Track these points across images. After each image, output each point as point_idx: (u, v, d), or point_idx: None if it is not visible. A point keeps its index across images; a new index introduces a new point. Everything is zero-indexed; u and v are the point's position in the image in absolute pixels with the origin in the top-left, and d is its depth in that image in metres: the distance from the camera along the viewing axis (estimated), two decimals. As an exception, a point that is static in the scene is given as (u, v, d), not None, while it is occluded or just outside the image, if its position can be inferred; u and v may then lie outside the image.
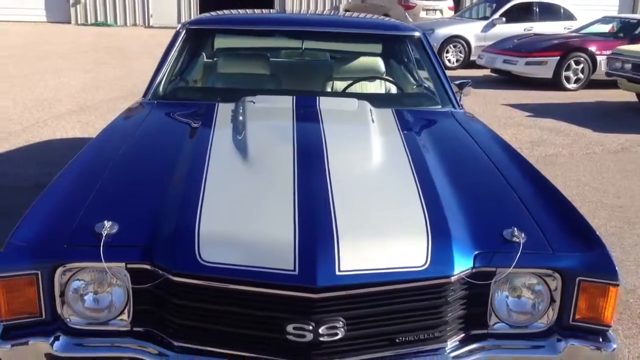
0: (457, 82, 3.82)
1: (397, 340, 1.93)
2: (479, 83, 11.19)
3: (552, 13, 13.86)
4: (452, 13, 16.87)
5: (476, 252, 1.98)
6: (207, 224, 1.96)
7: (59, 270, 1.91)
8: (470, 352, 1.99)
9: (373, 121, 2.83)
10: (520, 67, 10.80)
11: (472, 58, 12.77)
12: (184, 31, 3.60)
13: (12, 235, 1.95)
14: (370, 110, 2.97)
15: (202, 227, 1.94)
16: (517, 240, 1.98)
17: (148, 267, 1.89)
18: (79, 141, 5.56)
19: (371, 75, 3.81)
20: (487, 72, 12.00)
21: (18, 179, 4.94)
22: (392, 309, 1.90)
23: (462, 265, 1.93)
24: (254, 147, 2.47)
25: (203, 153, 2.45)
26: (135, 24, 20.59)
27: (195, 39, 3.81)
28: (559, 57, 10.56)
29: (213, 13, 3.93)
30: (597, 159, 6.45)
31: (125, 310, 1.96)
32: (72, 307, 1.94)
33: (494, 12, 13.70)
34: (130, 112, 3.23)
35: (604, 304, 2.01)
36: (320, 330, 1.82)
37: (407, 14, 17.14)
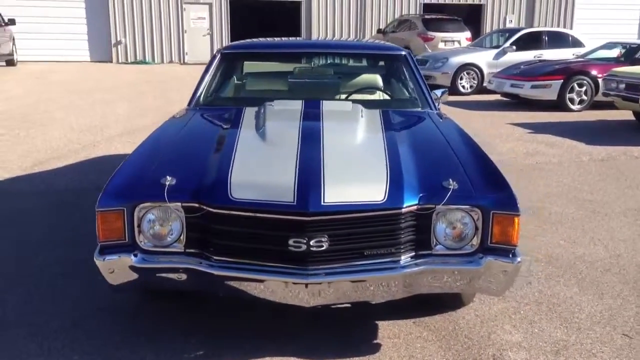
0: (436, 91, 4.70)
1: (365, 254, 2.82)
2: (490, 106, 12.07)
3: (561, 41, 14.75)
4: (469, 44, 17.79)
5: (421, 194, 2.86)
6: (236, 174, 2.90)
7: (137, 208, 2.85)
8: (417, 265, 2.86)
9: (362, 117, 3.76)
10: (526, 90, 11.64)
11: (484, 84, 13.63)
12: (219, 55, 4.65)
13: (107, 186, 2.92)
14: (362, 110, 3.91)
15: (232, 176, 2.88)
16: (450, 186, 2.85)
17: (196, 205, 2.82)
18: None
19: (368, 87, 4.77)
20: (498, 97, 12.85)
21: (82, 183, 5.98)
22: (361, 231, 2.79)
23: (410, 201, 2.82)
24: (271, 131, 3.44)
25: (234, 135, 3.44)
26: (171, 61, 22.04)
27: (227, 60, 4.83)
28: (562, 81, 11.38)
29: (242, 41, 4.97)
30: (583, 165, 7.24)
31: (182, 237, 2.88)
32: (145, 234, 2.88)
33: (505, 41, 14.63)
34: (179, 114, 4.26)
35: (511, 230, 2.87)
36: (311, 243, 2.72)
37: (426, 46, 18.16)
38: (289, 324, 3.29)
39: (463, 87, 13.95)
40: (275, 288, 2.78)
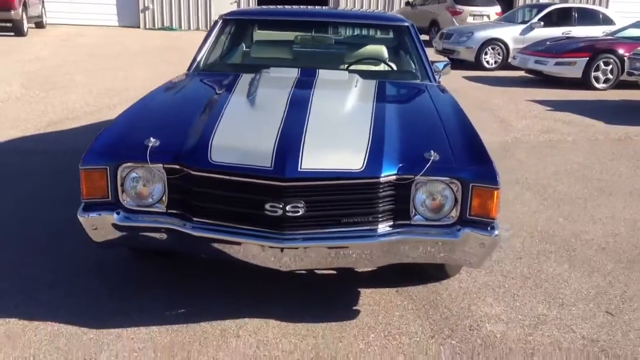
0: (438, 64, 4.65)
1: (342, 221, 2.84)
2: (512, 82, 11.88)
3: (591, 18, 14.38)
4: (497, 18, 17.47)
5: (400, 165, 2.86)
6: (218, 138, 2.93)
7: (120, 168, 2.90)
8: (394, 234, 2.87)
9: (356, 86, 3.75)
10: (550, 67, 11.42)
11: (509, 60, 13.41)
12: (221, 21, 4.65)
13: (91, 144, 2.97)
14: (357, 80, 3.89)
15: (214, 140, 2.91)
16: (430, 158, 2.85)
17: (177, 166, 2.86)
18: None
19: (369, 58, 4.74)
20: (523, 73, 12.64)
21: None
22: (338, 198, 2.81)
23: (388, 171, 2.82)
24: (261, 97, 3.46)
25: (224, 99, 3.48)
26: (198, 29, 22.04)
27: (228, 26, 4.84)
28: (587, 58, 11.13)
29: (246, 8, 4.96)
30: (597, 145, 7.13)
31: (164, 198, 2.93)
32: (128, 194, 2.94)
33: (534, 16, 14.32)
34: (178, 78, 4.30)
35: (490, 204, 2.86)
36: (287, 208, 2.75)
37: (454, 20, 17.89)
38: (272, 287, 3.35)
39: (487, 62, 13.74)
40: (253, 251, 2.82)
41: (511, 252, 3.99)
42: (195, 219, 2.88)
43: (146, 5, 21.55)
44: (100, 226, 2.94)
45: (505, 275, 3.67)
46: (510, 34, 13.88)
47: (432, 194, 2.89)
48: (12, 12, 15.56)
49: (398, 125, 3.22)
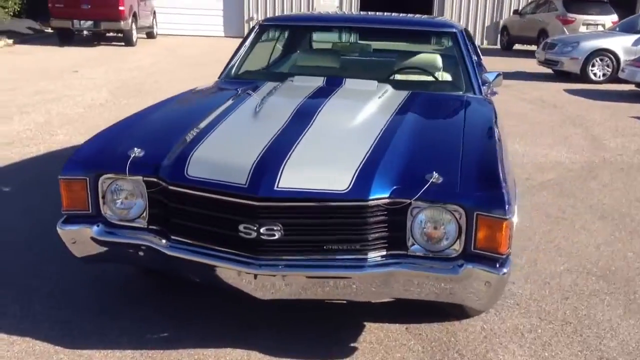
0: (489, 75, 4.18)
1: (324, 248, 2.52)
2: (618, 97, 10.91)
3: None
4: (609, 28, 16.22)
5: (395, 187, 2.50)
6: (201, 151, 2.70)
7: (101, 179, 2.75)
8: (385, 265, 2.52)
9: (380, 97, 3.42)
10: (662, 81, 10.36)
11: (619, 74, 12.33)
12: (257, 27, 4.44)
13: (73, 154, 2.84)
14: (386, 90, 3.56)
15: (196, 153, 2.69)
16: (431, 180, 2.47)
17: (155, 179, 2.67)
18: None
19: (412, 67, 4.35)
20: (633, 87, 11.57)
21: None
22: (321, 222, 2.50)
23: (379, 194, 2.47)
24: (267, 107, 3.23)
25: (231, 109, 3.27)
26: None
27: (265, 33, 4.60)
28: None
29: (285, 14, 4.75)
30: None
31: (144, 214, 2.75)
32: (109, 207, 2.78)
33: (651, 25, 13.12)
34: (202, 86, 4.15)
35: (499, 236, 2.44)
36: (262, 231, 2.47)
37: (564, 29, 16.81)
38: (263, 313, 3.06)
39: (595, 74, 12.70)
40: (229, 276, 2.57)
41: (558, 290, 3.48)
42: (173, 237, 2.68)
43: (251, 15, 21.99)
44: (79, 240, 2.80)
45: (543, 317, 3.18)
46: (621, 44, 12.76)
47: (433, 221, 2.52)
48: (122, 22, 16.34)
49: (409, 143, 2.86)
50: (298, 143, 2.72)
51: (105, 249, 2.80)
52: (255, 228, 2.48)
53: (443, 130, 3.23)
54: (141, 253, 2.74)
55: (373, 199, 2.46)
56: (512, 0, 21.80)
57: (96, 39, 17.44)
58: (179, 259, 2.63)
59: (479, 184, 2.53)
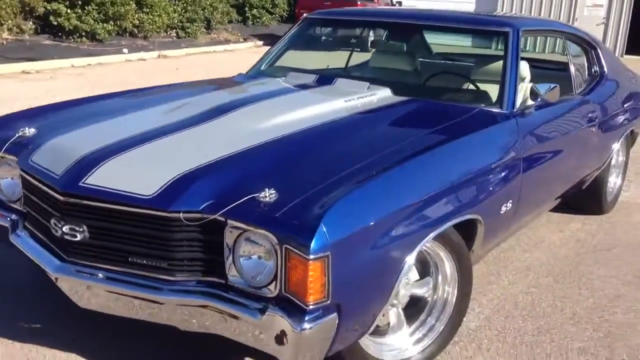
0: (540, 86, 3.23)
1: (129, 260, 2.15)
2: None
3: None
4: None
5: (212, 201, 2.04)
6: (61, 139, 2.54)
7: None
8: (189, 293, 2.07)
9: (347, 101, 2.97)
10: None
11: None
12: (302, 20, 4.07)
13: None
14: (373, 94, 3.11)
15: (53, 140, 2.54)
16: (261, 199, 1.95)
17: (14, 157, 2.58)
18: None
19: (447, 72, 3.67)
20: None
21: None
22: (126, 229, 2.13)
23: (186, 206, 2.03)
24: (190, 102, 2.98)
25: (161, 101, 3.07)
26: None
27: (309, 27, 4.16)
28: None
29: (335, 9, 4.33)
30: None
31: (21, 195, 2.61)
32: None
33: None
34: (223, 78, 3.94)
35: (303, 278, 1.85)
36: (64, 229, 2.19)
37: None
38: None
39: None
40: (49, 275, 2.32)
41: None
42: (25, 223, 2.54)
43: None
44: None
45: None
46: None
47: (247, 249, 2.01)
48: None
49: (298, 154, 2.39)
50: (154, 140, 2.43)
51: None
52: (61, 225, 2.21)
53: (368, 145, 2.52)
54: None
55: (176, 211, 2.03)
56: None
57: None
58: (17, 244, 2.49)
59: (302, 213, 1.93)
